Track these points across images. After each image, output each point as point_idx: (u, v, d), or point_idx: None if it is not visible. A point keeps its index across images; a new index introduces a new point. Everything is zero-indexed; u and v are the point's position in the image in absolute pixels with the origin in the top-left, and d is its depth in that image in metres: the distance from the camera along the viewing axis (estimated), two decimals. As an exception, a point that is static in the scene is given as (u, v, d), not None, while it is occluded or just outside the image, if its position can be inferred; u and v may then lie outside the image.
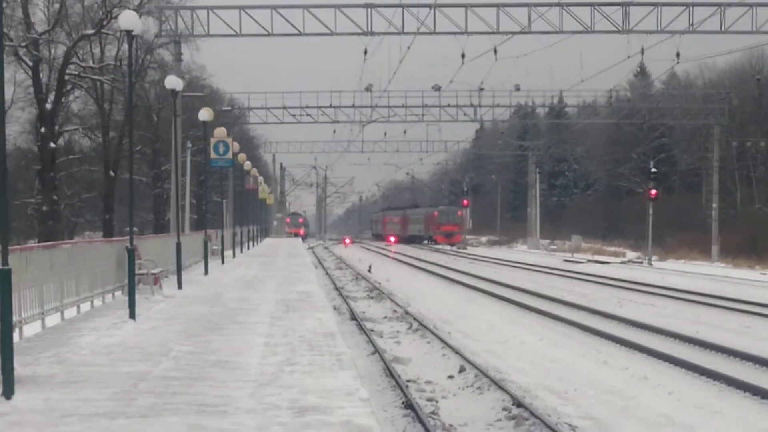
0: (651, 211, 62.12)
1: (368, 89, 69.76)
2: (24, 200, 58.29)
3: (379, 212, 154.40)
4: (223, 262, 44.10)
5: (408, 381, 16.95)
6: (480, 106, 73.62)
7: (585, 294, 36.62)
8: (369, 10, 48.62)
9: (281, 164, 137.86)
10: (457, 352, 20.31)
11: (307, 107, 73.08)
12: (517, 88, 71.38)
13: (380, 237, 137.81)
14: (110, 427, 10.18)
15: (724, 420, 14.34)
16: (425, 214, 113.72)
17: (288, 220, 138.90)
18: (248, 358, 14.80)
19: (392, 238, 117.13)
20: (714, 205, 68.40)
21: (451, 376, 17.79)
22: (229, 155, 44.81)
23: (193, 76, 72.75)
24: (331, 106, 73.16)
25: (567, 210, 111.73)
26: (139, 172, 67.97)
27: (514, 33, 48.20)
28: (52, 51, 53.74)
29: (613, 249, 78.99)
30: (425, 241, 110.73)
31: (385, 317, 28.24)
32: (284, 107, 73.09)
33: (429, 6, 48.36)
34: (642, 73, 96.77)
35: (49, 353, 15.10)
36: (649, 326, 25.00)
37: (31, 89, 52.84)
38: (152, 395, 11.79)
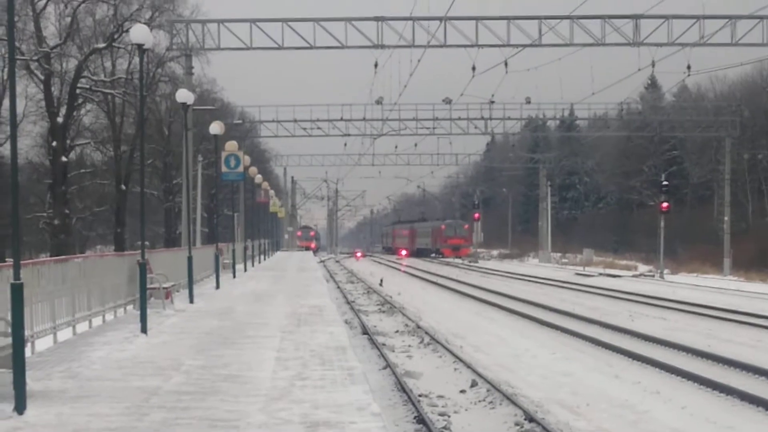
0: (662, 224, 61.98)
1: (379, 102, 69.80)
2: (36, 214, 58.46)
3: (389, 226, 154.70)
4: (234, 275, 44.12)
5: (420, 395, 16.92)
6: (491, 119, 73.73)
7: (597, 308, 36.53)
8: (379, 23, 48.69)
9: (292, 177, 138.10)
10: (468, 366, 20.27)
11: (318, 120, 73.23)
12: (528, 101, 71.43)
13: (390, 250, 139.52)
14: (122, 442, 10.18)
15: (737, 435, 14.28)
16: (432, 227, 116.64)
17: (299, 233, 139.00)
18: (259, 372, 14.80)
19: (403, 252, 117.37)
20: (726, 218, 68.23)
21: (463, 391, 17.75)
22: (240, 168, 44.88)
23: (204, 90, 72.98)
24: (341, 119, 73.29)
25: (578, 223, 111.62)
26: (151, 186, 68.17)
27: (524, 46, 48.21)
28: (64, 65, 54.04)
29: (624, 262, 78.83)
30: (432, 255, 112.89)
31: (397, 331, 28.20)
32: (295, 120, 73.25)
33: (439, 19, 48.41)
34: (653, 85, 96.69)
35: (61, 368, 15.12)
36: (661, 340, 24.92)
37: (43, 103, 53.09)
38: (164, 410, 11.80)
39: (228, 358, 16.34)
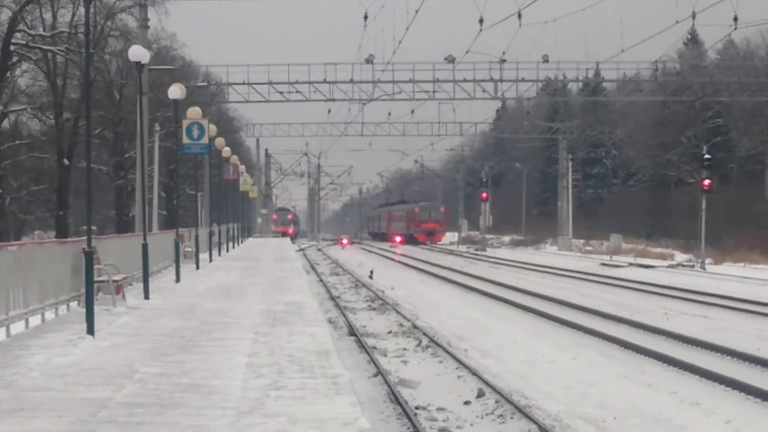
0: (704, 205, 62.05)
1: (369, 61, 69.73)
2: (-39, 194, 58.44)
3: (376, 209, 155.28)
4: (197, 266, 44.11)
5: (417, 408, 16.96)
6: (501, 80, 73.65)
7: (626, 304, 36.60)
8: (370, -33, 48.64)
9: (266, 150, 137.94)
10: (474, 373, 20.32)
11: (297, 82, 73.10)
12: (546, 60, 71.37)
13: (377, 236, 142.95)
14: (65, 463, 10.19)
15: (790, 454, 14.34)
16: (406, 210, 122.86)
17: (275, 216, 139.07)
18: (228, 381, 14.81)
19: (398, 238, 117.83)
20: (779, 198, 68.39)
21: (467, 402, 17.79)
22: (205, 140, 44.81)
23: (162, 46, 72.84)
24: (325, 81, 73.17)
25: (605, 204, 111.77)
26: (99, 161, 68.04)
27: (542, -6, 48.10)
28: (-5, 17, 53.83)
29: (659, 250, 78.97)
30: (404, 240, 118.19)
31: (390, 332, 28.24)
32: (270, 83, 73.10)
33: (441, -37, 48.34)
34: (693, 41, 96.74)
35: (-7, 376, 15.13)
36: (702, 342, 24.98)
37: (-31, 62, 52.90)
38: (114, 425, 11.80)
39: (190, 365, 16.35)
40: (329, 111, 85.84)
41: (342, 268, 61.12)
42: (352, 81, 73.52)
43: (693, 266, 62.17)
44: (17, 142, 64.77)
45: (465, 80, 73.98)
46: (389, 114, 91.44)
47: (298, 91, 73.36)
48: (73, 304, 24.52)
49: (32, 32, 55.08)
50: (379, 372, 20.08)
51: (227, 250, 65.13)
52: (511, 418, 16.29)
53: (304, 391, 14.03)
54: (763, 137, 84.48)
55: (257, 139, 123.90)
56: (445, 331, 28.42)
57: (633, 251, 78.07)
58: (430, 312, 33.96)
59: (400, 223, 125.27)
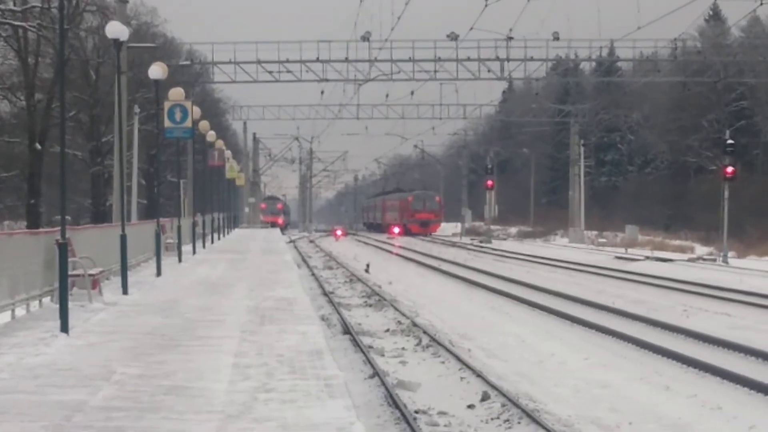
0: (726, 194, 62.07)
1: (365, 38, 69.70)
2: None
3: (372, 198, 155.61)
4: (180, 259, 44.13)
5: (416, 412, 16.96)
6: (508, 59, 73.61)
7: (642, 300, 36.63)
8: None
9: (254, 134, 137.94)
10: (479, 374, 20.32)
11: (288, 61, 73.04)
12: (556, 37, 71.35)
13: (372, 227, 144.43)
14: (37, 471, 10.20)
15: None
16: (400, 199, 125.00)
17: (263, 206, 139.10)
18: (213, 383, 14.81)
19: (396, 230, 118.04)
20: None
21: (471, 406, 17.80)
22: (188, 123, 44.77)
23: (142, 23, 72.88)
24: (318, 60, 73.11)
25: (619, 193, 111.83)
26: (74, 145, 68.00)
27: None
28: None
29: (678, 243, 79.06)
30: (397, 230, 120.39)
31: (388, 330, 28.25)
32: (258, 61, 73.04)
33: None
34: (715, 17, 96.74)
35: (-41, 377, 15.14)
36: (723, 341, 25.00)
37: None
38: (90, 431, 11.80)
39: (172, 365, 16.35)
40: (322, 92, 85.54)
41: (336, 262, 61.14)
42: (347, 60, 73.46)
43: (714, 260, 62.21)
44: (-15, 125, 64.73)
45: (469, 59, 73.94)
46: (387, 95, 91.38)
47: (288, 71, 73.32)
48: (46, 299, 24.51)
49: (2, 6, 55.02)
50: (376, 373, 20.08)
51: (212, 242, 65.13)
52: (518, 422, 16.31)
53: (295, 393, 14.04)
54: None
55: (244, 123, 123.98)
56: (447, 329, 28.43)
57: (650, 244, 78.14)
58: (431, 309, 33.97)
59: (394, 213, 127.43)
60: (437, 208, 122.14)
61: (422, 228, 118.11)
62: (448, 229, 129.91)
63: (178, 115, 44.15)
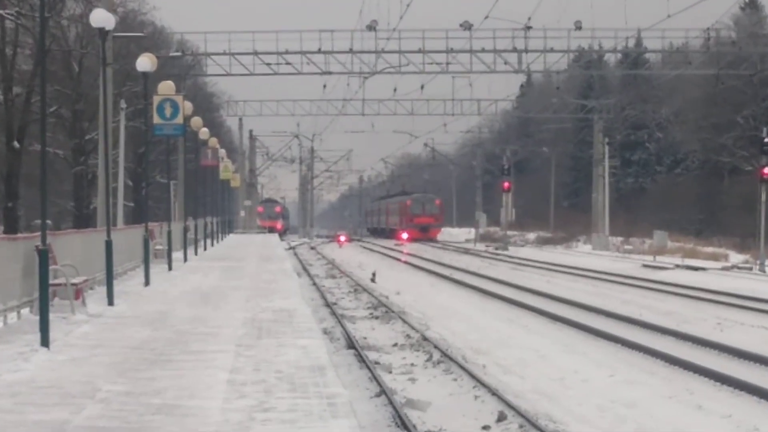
0: (764, 197, 62.00)
1: (372, 28, 69.75)
2: None
3: (375, 201, 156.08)
4: (170, 267, 44.13)
5: (427, 433, 16.98)
6: (526, 51, 73.64)
7: (672, 312, 36.60)
8: None
9: (251, 132, 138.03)
10: (494, 393, 20.32)
11: (288, 53, 73.11)
12: (578, 27, 71.37)
13: (376, 232, 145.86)
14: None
15: None
16: (399, 203, 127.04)
17: (260, 209, 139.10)
18: (206, 401, 14.81)
19: (404, 235, 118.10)
20: None
21: (486, 427, 17.80)
22: (179, 119, 44.80)
23: (129, 10, 72.93)
24: (320, 52, 73.18)
25: (647, 196, 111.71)
26: (55, 143, 68.03)
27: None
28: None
29: (711, 250, 78.93)
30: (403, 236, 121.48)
31: (395, 344, 28.25)
32: (255, 53, 73.13)
33: None
34: (752, 5, 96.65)
35: (-69, 394, 15.16)
36: (760, 357, 24.96)
37: None
38: (73, 453, 11.82)
39: (162, 382, 16.35)
40: (324, 86, 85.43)
41: (339, 270, 61.14)
42: (351, 51, 73.52)
43: (750, 268, 62.14)
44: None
45: (483, 50, 73.95)
46: (395, 90, 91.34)
47: (288, 63, 73.40)
48: (25, 311, 24.52)
49: (-24, -7, 55.07)
50: (383, 391, 20.09)
51: (205, 249, 65.16)
52: (538, 445, 16.31)
53: (295, 413, 14.03)
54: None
55: (240, 119, 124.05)
56: (460, 343, 28.42)
57: (680, 251, 78.03)
58: (443, 321, 33.96)
59: (394, 217, 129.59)
60: (437, 212, 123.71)
61: (422, 233, 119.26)
62: (460, 234, 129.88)
63: (168, 111, 44.17)
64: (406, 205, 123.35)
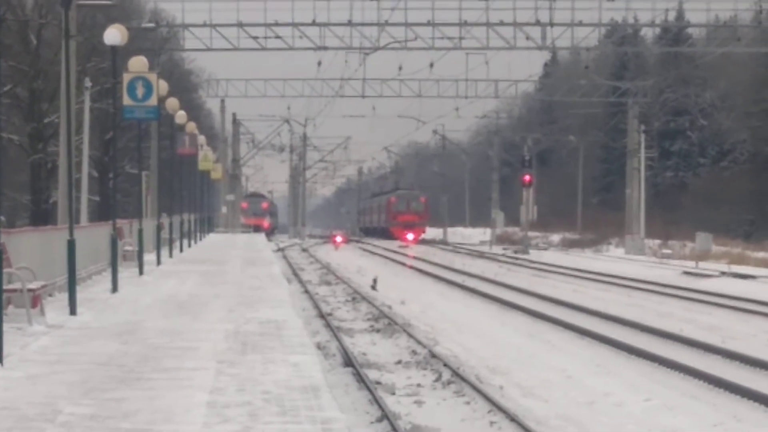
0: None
1: (374, -3, 69.67)
2: None
3: (369, 198, 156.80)
4: (141, 271, 44.12)
5: (436, 465, 17.01)
6: (552, 24, 73.67)
7: (717, 327, 36.61)
8: None
9: (234, 116, 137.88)
10: (513, 419, 20.35)
11: (277, 24, 73.13)
12: (612, -2, 71.30)
13: (368, 232, 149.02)
14: None
15: None
16: (386, 200, 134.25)
17: (244, 205, 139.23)
18: (183, 426, 14.84)
19: (410, 236, 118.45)
20: None
21: (504, 458, 17.84)
22: (153, 101, 44.81)
23: (96, -25, 72.78)
24: (314, 24, 73.21)
25: (689, 192, 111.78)
26: (9, 127, 68.09)
27: None
28: None
29: (761, 255, 79.00)
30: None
31: (399, 362, 28.29)
32: (240, 24, 73.16)
33: None
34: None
35: None
36: (819, 380, 25.02)
37: None
38: (31, 485, 11.86)
39: (133, 403, 16.38)
40: (319, 63, 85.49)
41: (335, 275, 61.20)
42: (350, 23, 73.57)
43: (807, 277, 62.17)
44: None
45: (502, 23, 73.99)
46: (400, 68, 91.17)
47: (277, 36, 73.41)
48: (-25, 320, 24.56)
49: None
50: (386, 416, 20.12)
51: (181, 250, 65.22)
52: (563, 479, 16.35)
53: (285, 440, 14.07)
54: None
55: (222, 101, 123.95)
56: (474, 361, 28.46)
57: (726, 256, 78.09)
58: (454, 335, 34.00)
59: (381, 215, 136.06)
60: (422, 209, 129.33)
61: (406, 232, 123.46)
62: (474, 236, 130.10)
63: (140, 91, 44.14)
64: (390, 202, 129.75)
